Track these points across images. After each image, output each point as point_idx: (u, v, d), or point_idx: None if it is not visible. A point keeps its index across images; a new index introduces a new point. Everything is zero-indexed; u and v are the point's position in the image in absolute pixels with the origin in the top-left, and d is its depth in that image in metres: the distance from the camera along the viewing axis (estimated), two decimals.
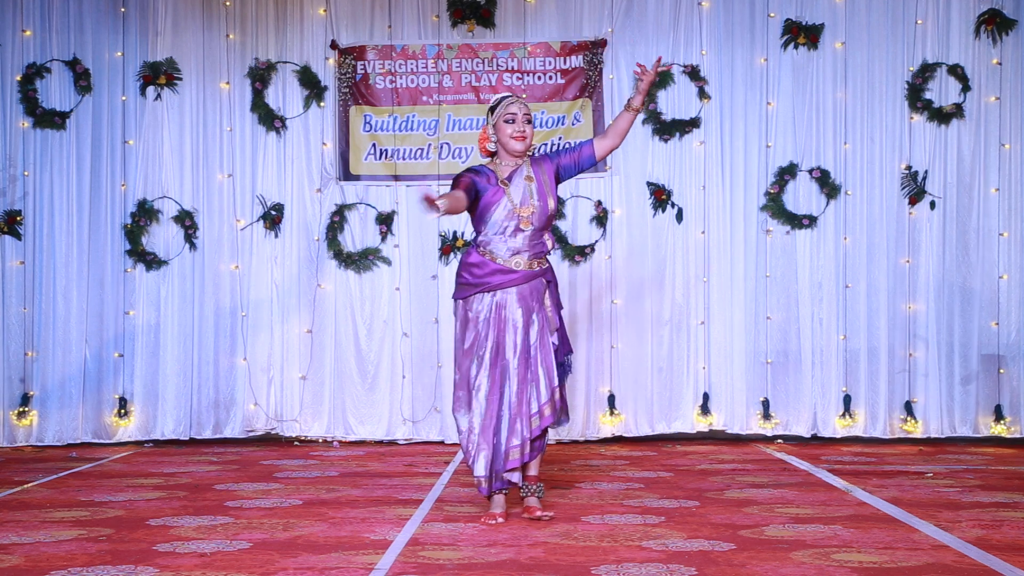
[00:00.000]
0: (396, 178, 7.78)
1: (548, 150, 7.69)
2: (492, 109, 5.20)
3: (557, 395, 5.12)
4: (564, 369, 5.26)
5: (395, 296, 7.80)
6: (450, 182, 7.59)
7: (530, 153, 5.23)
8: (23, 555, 4.37)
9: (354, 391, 7.78)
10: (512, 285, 5.07)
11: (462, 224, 7.73)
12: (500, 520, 5.00)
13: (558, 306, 5.26)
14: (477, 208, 5.11)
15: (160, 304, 7.73)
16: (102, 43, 7.72)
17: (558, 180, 5.20)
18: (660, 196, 7.74)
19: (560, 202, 5.18)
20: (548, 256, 5.23)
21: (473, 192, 5.06)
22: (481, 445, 5.05)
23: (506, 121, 5.13)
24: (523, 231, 5.07)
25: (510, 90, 7.72)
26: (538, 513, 5.04)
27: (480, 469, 5.05)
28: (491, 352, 5.06)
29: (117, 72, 7.73)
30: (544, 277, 5.17)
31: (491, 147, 5.22)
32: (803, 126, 7.74)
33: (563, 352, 5.25)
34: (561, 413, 5.20)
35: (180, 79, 7.77)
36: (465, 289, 5.15)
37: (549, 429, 5.21)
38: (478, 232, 5.18)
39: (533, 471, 5.17)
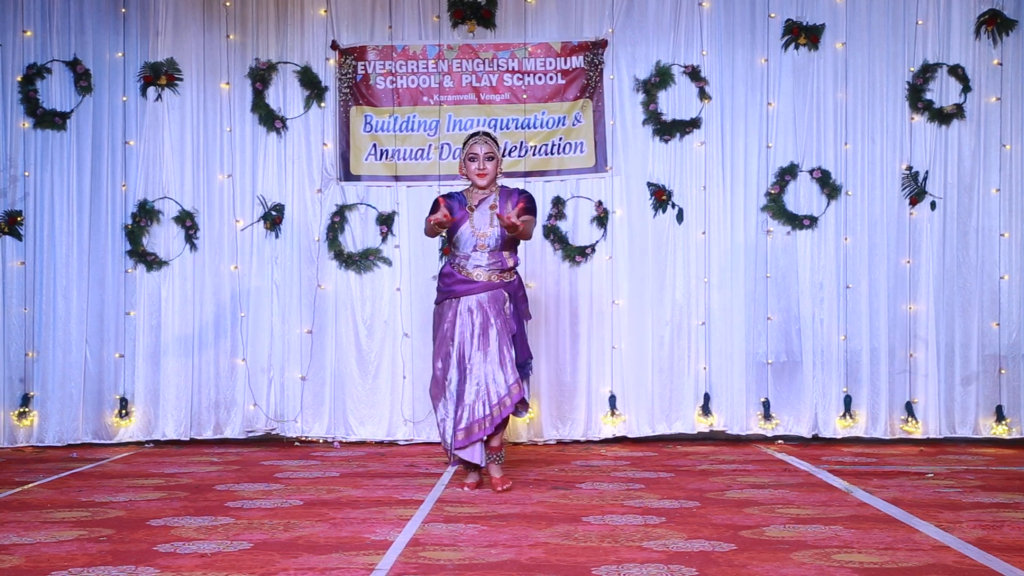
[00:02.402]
0: (397, 178, 7.78)
1: (548, 150, 7.70)
2: (465, 144, 6.02)
3: (516, 389, 5.86)
4: (524, 371, 6.02)
5: (396, 296, 7.80)
6: (450, 184, 7.70)
7: (502, 184, 6.09)
8: (24, 555, 4.37)
9: (354, 391, 7.78)
10: (473, 293, 5.91)
11: None
12: (467, 490, 5.84)
13: (521, 316, 6.04)
14: (449, 228, 5.90)
15: (161, 304, 7.73)
16: (103, 43, 7.72)
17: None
18: (661, 196, 7.74)
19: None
20: (514, 271, 6.02)
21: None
22: (450, 429, 5.89)
23: (469, 159, 5.97)
24: (480, 251, 5.92)
25: (510, 90, 7.74)
26: (499, 487, 5.80)
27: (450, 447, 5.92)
28: (457, 350, 5.89)
29: (118, 72, 7.73)
30: (506, 289, 5.95)
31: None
32: (804, 126, 7.74)
33: (523, 356, 6.01)
34: (520, 406, 5.96)
35: (180, 79, 7.77)
36: (439, 296, 6.07)
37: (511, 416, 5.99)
38: (451, 248, 6.04)
39: (495, 443, 5.94)
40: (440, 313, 6.01)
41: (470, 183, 6.01)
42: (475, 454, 5.86)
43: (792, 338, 7.73)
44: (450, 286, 5.95)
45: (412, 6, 7.83)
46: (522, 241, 6.06)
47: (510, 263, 5.98)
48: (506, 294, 5.94)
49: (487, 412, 5.83)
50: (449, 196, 5.99)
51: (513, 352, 5.90)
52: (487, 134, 6.02)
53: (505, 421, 5.95)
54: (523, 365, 6.00)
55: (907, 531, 4.78)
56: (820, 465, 6.67)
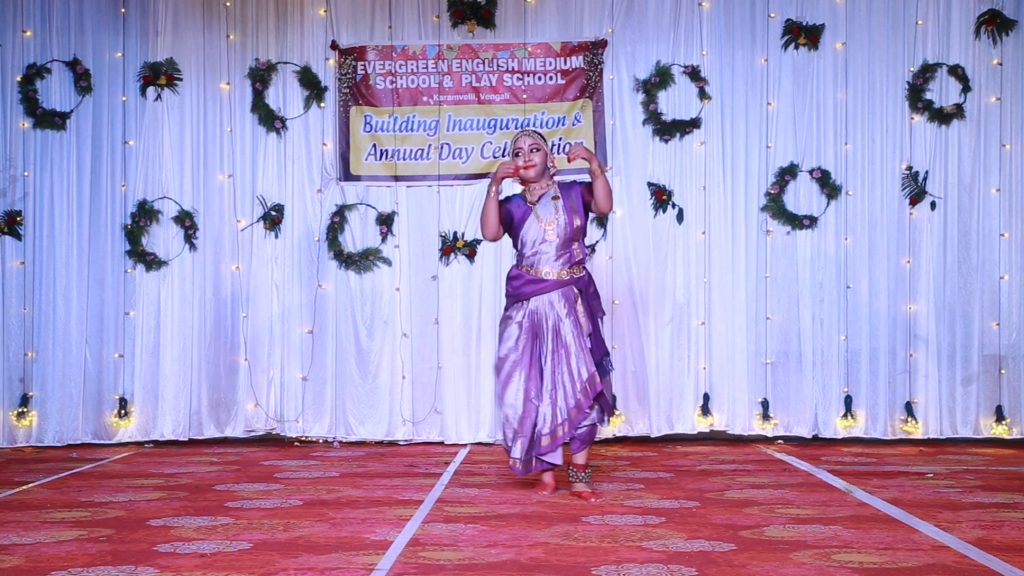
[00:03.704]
0: (396, 178, 7.78)
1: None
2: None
3: (587, 393, 5.60)
4: (603, 369, 5.76)
5: (395, 296, 7.80)
6: (450, 184, 7.69)
7: (557, 177, 5.84)
8: (24, 555, 4.37)
9: (355, 391, 7.78)
10: (543, 293, 5.68)
11: (462, 224, 7.73)
12: (546, 493, 5.67)
13: (594, 313, 5.80)
14: (513, 229, 5.76)
15: (160, 304, 7.73)
16: (102, 43, 7.72)
17: (586, 204, 5.75)
18: (661, 197, 7.74)
19: (587, 216, 5.83)
20: (583, 266, 5.78)
21: (507, 220, 5.77)
22: (518, 433, 5.66)
23: (515, 155, 5.75)
24: (549, 242, 5.67)
25: (510, 90, 7.75)
26: (592, 499, 5.54)
27: (517, 452, 5.68)
28: (527, 354, 5.67)
29: (117, 72, 7.73)
30: (576, 285, 5.72)
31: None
32: (803, 126, 7.74)
33: (598, 354, 5.76)
34: (604, 412, 5.76)
35: (180, 79, 7.77)
36: (508, 300, 5.82)
37: (598, 425, 5.78)
38: (517, 251, 5.82)
39: (580, 460, 5.72)
40: (509, 317, 5.76)
41: (523, 185, 5.81)
42: (556, 456, 5.67)
43: (792, 338, 7.72)
44: (519, 288, 5.71)
45: (412, 6, 7.83)
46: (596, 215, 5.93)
47: (579, 255, 5.73)
48: (576, 291, 5.71)
49: (566, 416, 5.60)
50: (507, 200, 5.80)
51: (588, 348, 5.65)
52: (534, 130, 5.84)
53: (591, 436, 5.72)
54: (599, 363, 5.73)
55: (907, 531, 4.78)
56: (820, 465, 6.67)
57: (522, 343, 5.68)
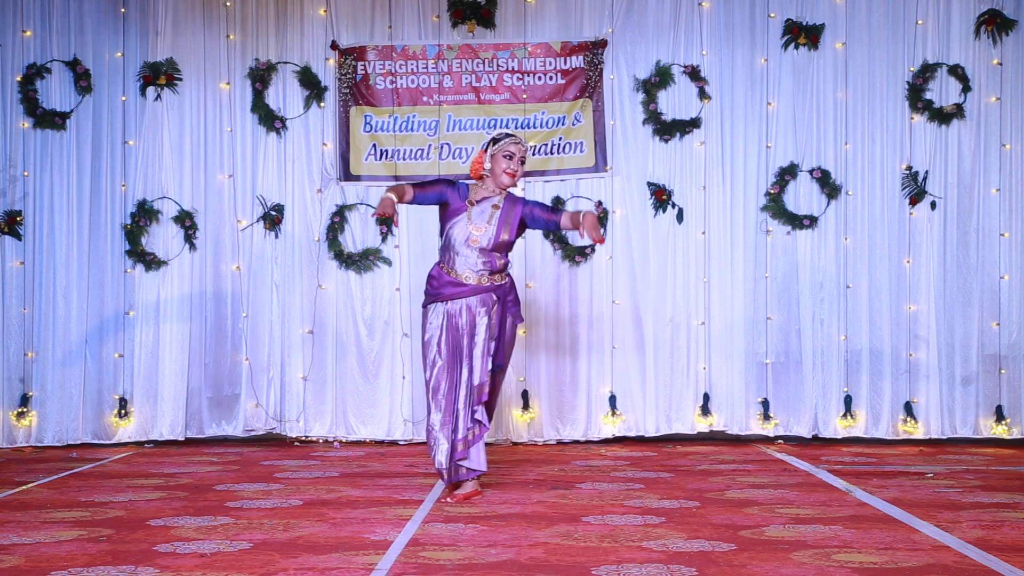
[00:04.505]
0: (396, 178, 7.78)
1: (548, 150, 7.70)
2: (495, 141, 5.70)
3: (477, 401, 5.61)
4: (496, 367, 5.70)
5: (395, 296, 7.80)
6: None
7: (511, 189, 5.74)
8: (23, 555, 4.37)
9: (355, 391, 7.78)
10: (461, 297, 5.64)
11: None
12: (450, 500, 5.52)
13: (513, 320, 5.76)
14: (444, 217, 5.72)
15: (160, 304, 7.73)
16: (102, 43, 7.72)
17: (523, 223, 5.72)
18: (661, 196, 7.74)
19: (518, 234, 5.77)
20: (504, 273, 5.73)
21: (433, 197, 5.72)
22: (440, 440, 5.60)
23: (505, 156, 5.66)
24: (472, 247, 5.63)
25: (510, 90, 7.74)
26: (475, 498, 5.59)
27: (440, 462, 5.60)
28: (447, 356, 5.63)
29: (117, 72, 7.73)
30: (496, 293, 5.68)
31: (484, 172, 5.72)
32: (803, 126, 7.74)
33: (497, 360, 5.68)
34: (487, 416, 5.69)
35: (180, 79, 7.77)
36: (426, 299, 5.77)
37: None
38: (441, 243, 5.77)
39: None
40: (426, 317, 5.72)
41: (477, 180, 5.74)
42: (478, 462, 5.61)
43: (792, 338, 7.73)
44: (437, 289, 5.68)
45: (412, 6, 7.83)
46: (517, 242, 5.88)
47: (500, 265, 5.69)
48: (495, 297, 5.67)
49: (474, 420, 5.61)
50: (451, 183, 5.74)
51: (490, 355, 5.61)
52: (523, 142, 5.74)
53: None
54: (493, 371, 5.68)
55: (907, 531, 4.78)
56: (820, 465, 6.67)
57: (444, 347, 5.62)
